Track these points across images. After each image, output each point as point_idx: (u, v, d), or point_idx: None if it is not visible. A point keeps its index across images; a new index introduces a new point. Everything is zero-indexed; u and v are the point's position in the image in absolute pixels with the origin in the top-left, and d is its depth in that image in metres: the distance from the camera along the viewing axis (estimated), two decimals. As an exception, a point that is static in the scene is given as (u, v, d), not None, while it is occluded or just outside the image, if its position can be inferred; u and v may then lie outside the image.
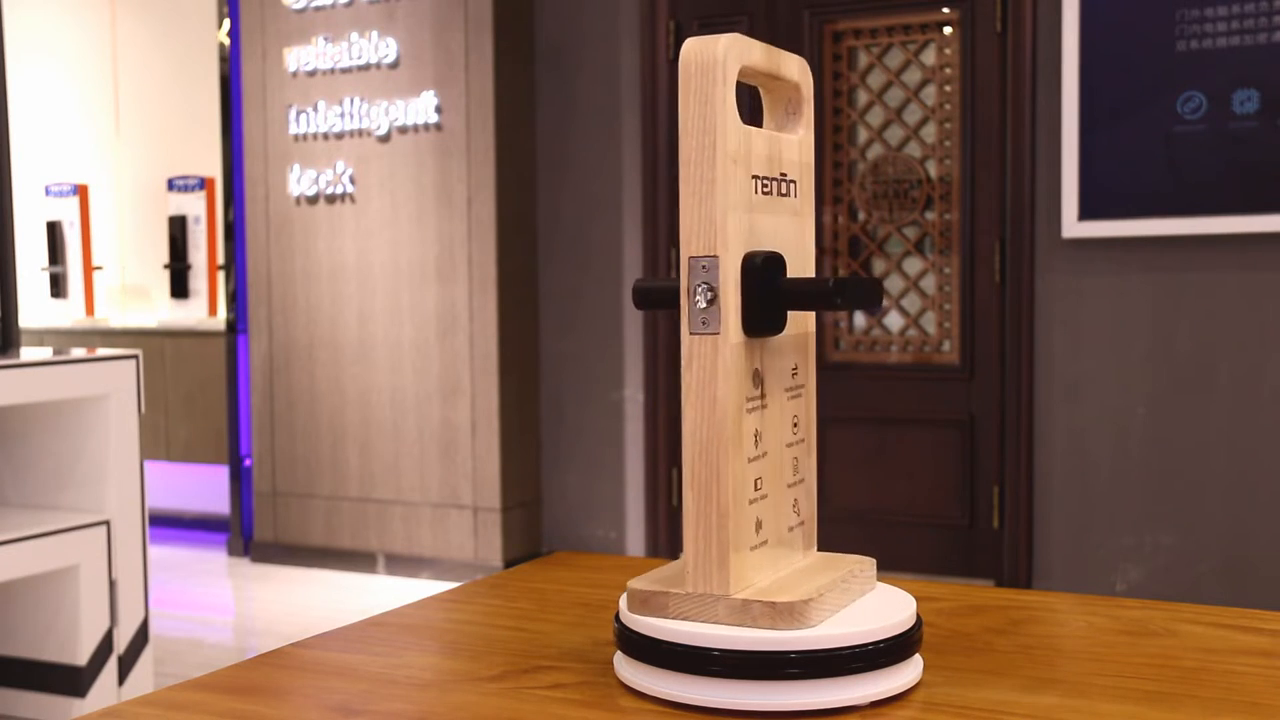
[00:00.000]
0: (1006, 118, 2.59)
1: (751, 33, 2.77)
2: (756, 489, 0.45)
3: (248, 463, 3.29)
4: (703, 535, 0.43)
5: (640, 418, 2.96)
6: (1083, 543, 2.57)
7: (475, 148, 2.90)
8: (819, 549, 0.51)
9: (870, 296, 0.46)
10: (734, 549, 0.44)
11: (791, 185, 0.48)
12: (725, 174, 0.43)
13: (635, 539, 3.00)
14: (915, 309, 2.76)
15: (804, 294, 0.44)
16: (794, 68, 0.49)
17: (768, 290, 0.44)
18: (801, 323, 0.49)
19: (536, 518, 3.07)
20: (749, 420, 0.45)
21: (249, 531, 3.31)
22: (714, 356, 0.43)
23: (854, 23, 2.76)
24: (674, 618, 0.44)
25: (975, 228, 2.65)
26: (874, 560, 0.50)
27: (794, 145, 0.48)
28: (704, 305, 0.43)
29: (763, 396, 0.45)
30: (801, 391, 0.49)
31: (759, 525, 0.45)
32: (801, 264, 0.49)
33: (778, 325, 0.46)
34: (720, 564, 0.43)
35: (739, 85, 0.45)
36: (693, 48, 0.43)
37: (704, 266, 0.43)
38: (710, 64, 0.43)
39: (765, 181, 0.46)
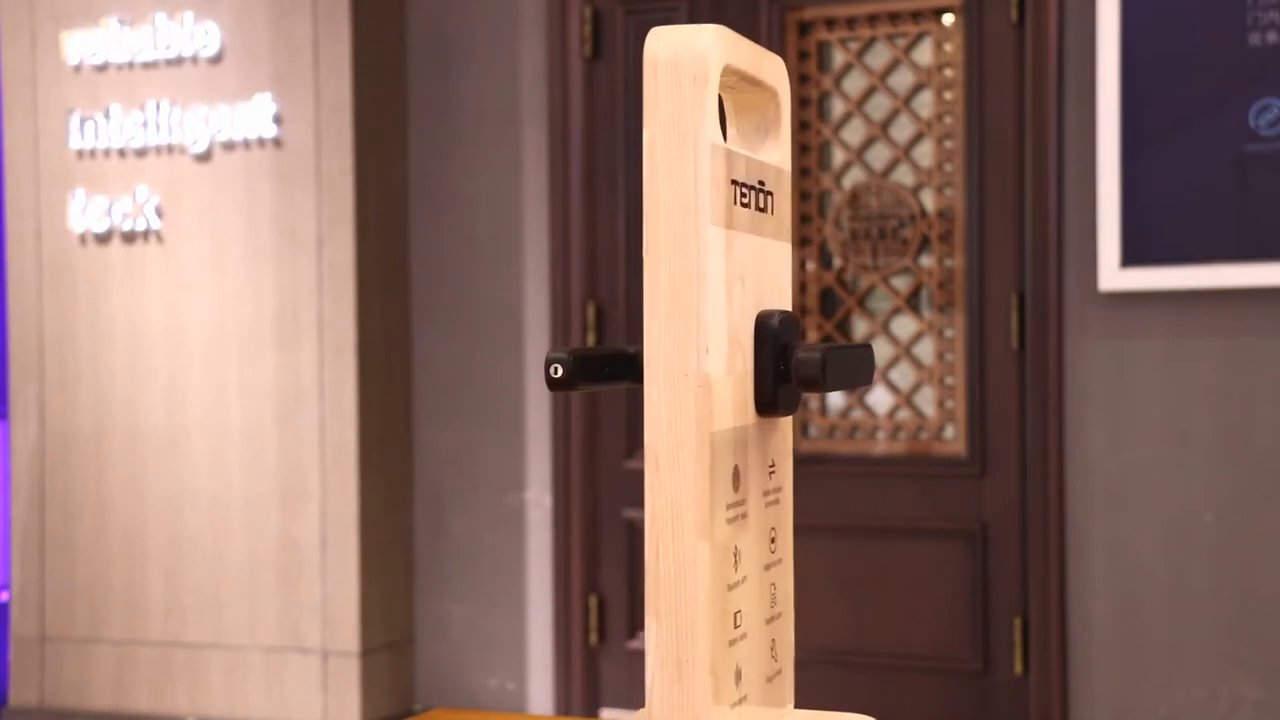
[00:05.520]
0: (1025, 134, 2.49)
1: (692, 21, 2.75)
2: (736, 625, 0.44)
3: (3, 598, 3.14)
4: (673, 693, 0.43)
5: (547, 528, 2.79)
6: (1134, 696, 2.45)
7: (327, 170, 2.78)
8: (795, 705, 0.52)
9: (858, 370, 0.45)
10: (714, 706, 0.42)
11: (769, 198, 0.48)
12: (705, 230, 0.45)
13: (540, 690, 2.80)
14: (908, 383, 2.63)
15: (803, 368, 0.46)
16: (774, 71, 0.48)
17: (781, 362, 0.44)
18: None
19: (408, 664, 2.94)
20: (727, 533, 0.44)
21: (3, 694, 3.10)
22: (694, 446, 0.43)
23: (827, 10, 2.63)
24: None
25: (985, 277, 2.54)
26: None
27: (771, 168, 0.49)
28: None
29: (743, 503, 0.45)
30: (778, 496, 0.47)
31: (739, 675, 0.44)
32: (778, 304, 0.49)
33: (791, 405, 0.45)
34: None
35: None
36: (665, 42, 0.42)
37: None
38: (690, 62, 0.41)
39: (745, 190, 0.46)
